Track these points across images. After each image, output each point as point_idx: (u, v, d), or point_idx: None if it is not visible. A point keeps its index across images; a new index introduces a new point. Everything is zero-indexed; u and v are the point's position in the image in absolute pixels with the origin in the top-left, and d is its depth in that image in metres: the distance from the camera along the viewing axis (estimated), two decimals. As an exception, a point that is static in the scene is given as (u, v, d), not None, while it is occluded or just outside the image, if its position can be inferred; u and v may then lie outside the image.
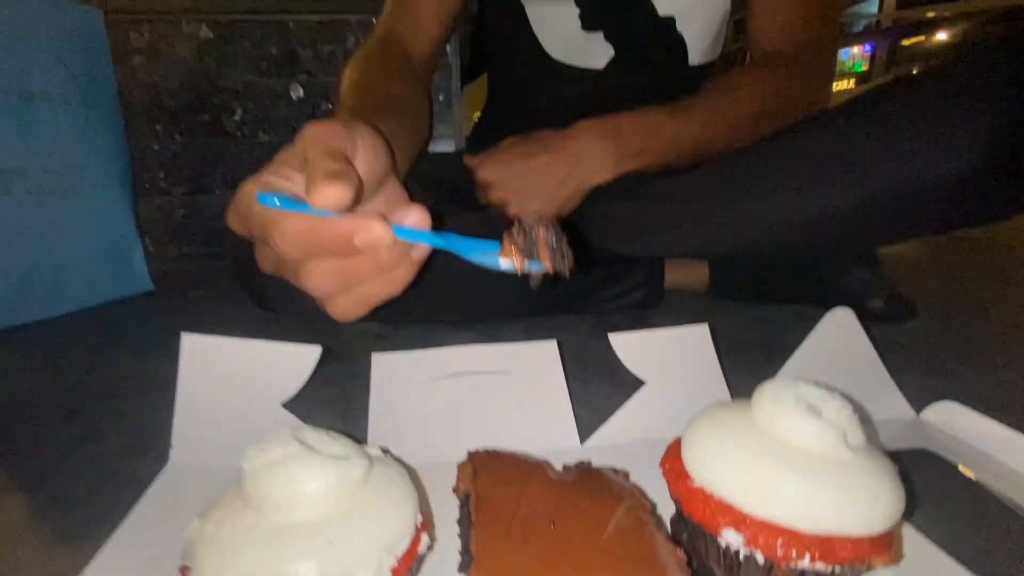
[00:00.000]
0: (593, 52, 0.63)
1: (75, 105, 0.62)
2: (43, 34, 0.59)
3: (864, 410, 0.34)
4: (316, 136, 0.26)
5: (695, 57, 0.63)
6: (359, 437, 0.34)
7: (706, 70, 0.66)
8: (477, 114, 0.75)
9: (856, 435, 0.20)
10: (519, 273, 0.22)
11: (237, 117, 0.86)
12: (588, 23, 0.61)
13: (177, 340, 0.28)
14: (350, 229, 0.22)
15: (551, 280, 0.23)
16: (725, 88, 0.56)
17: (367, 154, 0.28)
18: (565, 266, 0.22)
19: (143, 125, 0.84)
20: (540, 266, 0.22)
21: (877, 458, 0.20)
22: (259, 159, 0.88)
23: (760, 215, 0.48)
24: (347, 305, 0.26)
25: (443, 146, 0.88)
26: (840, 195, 0.44)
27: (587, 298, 0.59)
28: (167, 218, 0.87)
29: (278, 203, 0.23)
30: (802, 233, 0.47)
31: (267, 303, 0.52)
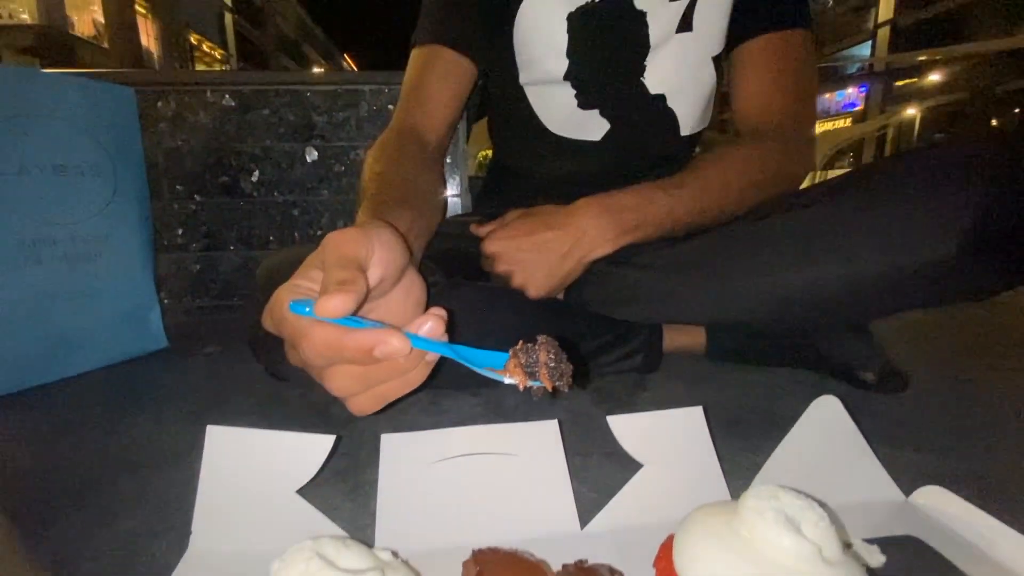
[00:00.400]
0: (590, 126, 0.67)
1: (105, 177, 0.66)
2: (79, 113, 0.64)
3: (852, 494, 0.36)
4: (335, 244, 0.29)
5: (686, 129, 0.67)
6: (367, 514, 0.35)
7: (697, 138, 0.70)
8: (483, 153, 0.78)
9: (833, 549, 0.22)
10: (521, 389, 0.24)
11: (254, 178, 0.91)
12: (584, 103, 0.65)
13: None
14: (371, 342, 0.25)
15: (551, 394, 0.25)
16: (714, 163, 0.59)
17: (384, 254, 0.31)
18: (564, 383, 0.24)
19: (164, 185, 0.89)
20: (541, 383, 0.24)
21: (852, 572, 0.22)
22: (273, 218, 0.92)
23: (752, 290, 0.50)
24: (365, 402, 0.29)
25: (450, 194, 0.92)
26: (828, 274, 0.47)
27: (587, 363, 0.61)
28: (183, 273, 0.91)
29: (308, 311, 0.26)
30: (793, 307, 0.50)
31: (282, 377, 0.54)
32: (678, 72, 0.63)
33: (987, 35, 23.59)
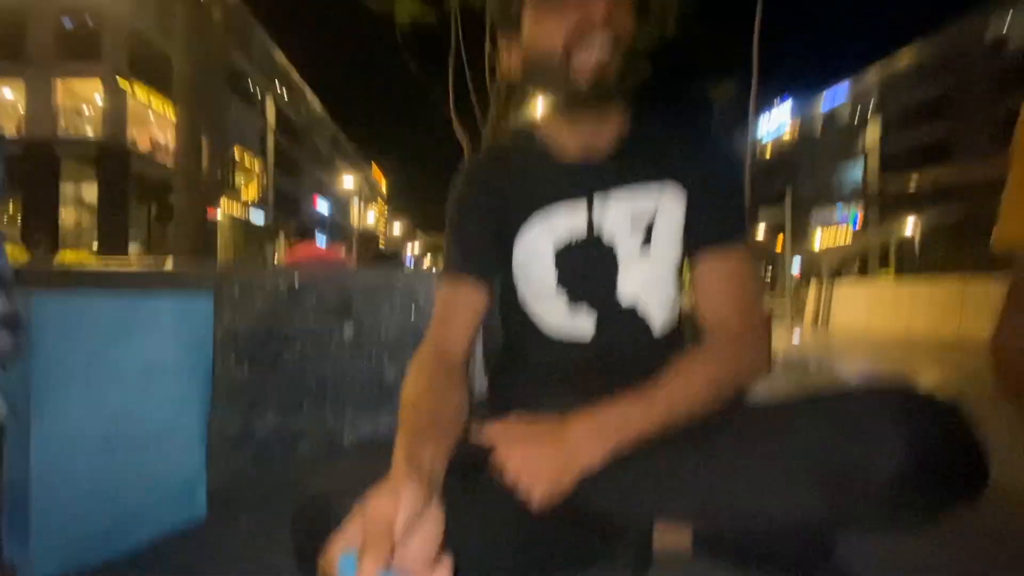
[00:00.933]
0: (579, 329, 0.79)
1: (179, 373, 0.79)
2: (167, 324, 0.78)
3: None
4: (372, 509, 0.40)
5: (658, 331, 0.80)
6: None
7: (672, 337, 0.82)
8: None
9: None
10: None
11: (296, 351, 1.04)
12: (572, 311, 0.79)
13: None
14: None
15: None
16: (682, 373, 0.68)
17: (407, 513, 0.41)
18: None
19: (218, 358, 1.02)
20: None
21: None
22: (309, 387, 1.04)
23: (729, 509, 0.58)
24: None
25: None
26: (797, 499, 0.55)
27: (583, 562, 0.67)
28: (223, 437, 1.01)
29: (352, 560, 0.36)
30: (766, 524, 0.57)
31: None
32: (644, 287, 0.77)
33: (973, 155, 25.12)
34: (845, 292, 10.57)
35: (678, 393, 0.67)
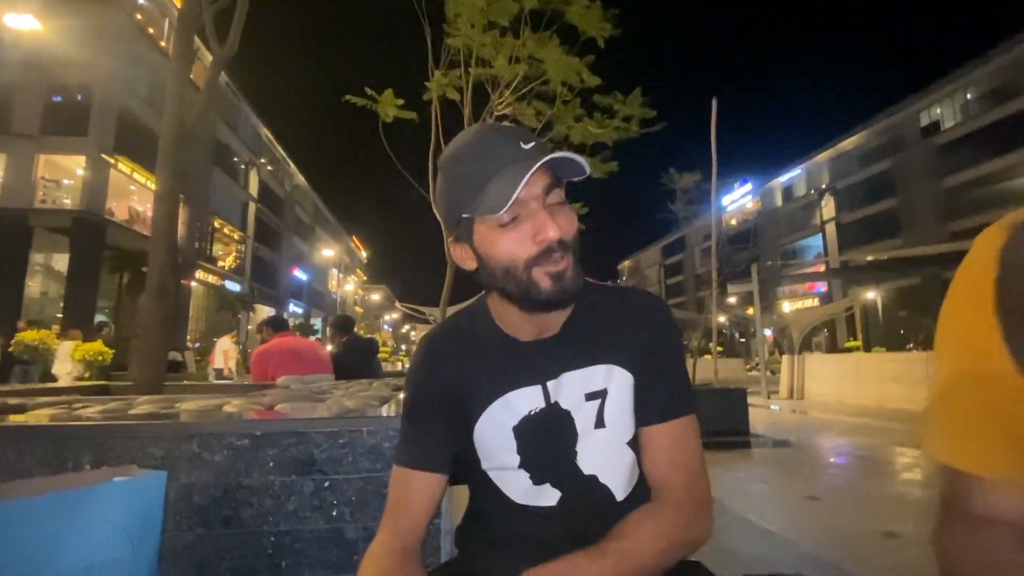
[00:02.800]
0: (544, 496, 0.80)
1: (124, 564, 0.75)
2: (113, 509, 0.76)
3: None
4: None
5: (619, 496, 0.80)
6: None
7: (635, 499, 0.83)
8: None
9: None
10: None
11: (253, 510, 1.00)
12: (536, 480, 0.80)
13: None
14: None
15: None
16: (630, 536, 0.71)
17: None
18: None
19: (168, 519, 0.97)
20: None
21: None
22: (262, 547, 0.99)
23: None
24: None
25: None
26: None
27: None
28: (167, 608, 0.94)
29: None
30: None
31: None
32: (602, 458, 0.79)
33: (919, 228, 26.85)
34: (817, 365, 10.79)
35: (628, 549, 0.69)
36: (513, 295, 0.74)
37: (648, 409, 0.79)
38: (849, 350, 22.10)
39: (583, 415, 0.78)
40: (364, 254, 56.52)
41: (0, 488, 0.67)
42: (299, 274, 36.96)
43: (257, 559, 0.99)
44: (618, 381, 0.79)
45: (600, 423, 0.78)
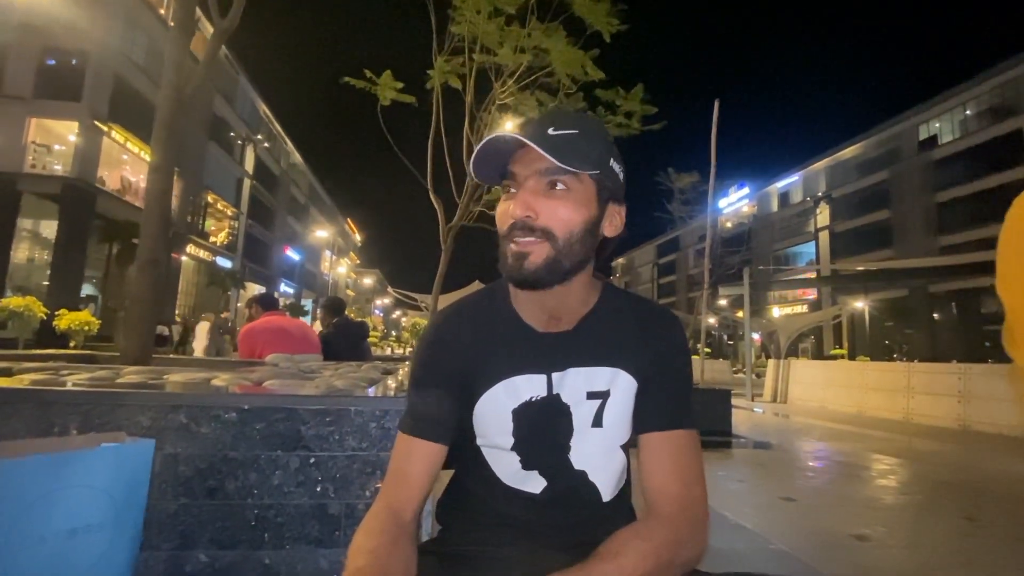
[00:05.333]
0: (531, 482, 0.81)
1: (108, 529, 0.76)
2: (99, 475, 0.76)
3: None
4: None
5: (607, 496, 0.82)
6: None
7: (620, 501, 0.85)
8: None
9: None
10: None
11: (237, 483, 1.02)
12: (526, 465, 0.81)
13: None
14: None
15: None
16: (623, 554, 0.69)
17: None
18: None
19: (154, 489, 0.98)
20: None
21: None
22: (245, 519, 1.01)
23: None
24: None
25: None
26: None
27: None
28: (151, 574, 0.96)
29: None
30: None
31: None
32: (594, 456, 0.80)
33: (911, 241, 27.14)
34: (802, 371, 10.94)
35: (613, 571, 0.68)
36: (500, 266, 0.75)
37: (649, 416, 0.79)
38: (834, 357, 22.40)
39: (582, 412, 0.79)
40: (358, 237, 56.16)
41: (5, 447, 0.68)
42: (292, 254, 36.68)
43: (240, 531, 1.00)
44: (622, 386, 0.79)
45: (598, 422, 0.79)
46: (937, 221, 27.67)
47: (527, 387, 0.79)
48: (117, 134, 18.31)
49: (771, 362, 11.65)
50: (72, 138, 17.27)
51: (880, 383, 8.77)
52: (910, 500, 3.68)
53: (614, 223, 0.79)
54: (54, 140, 17.60)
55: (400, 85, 5.03)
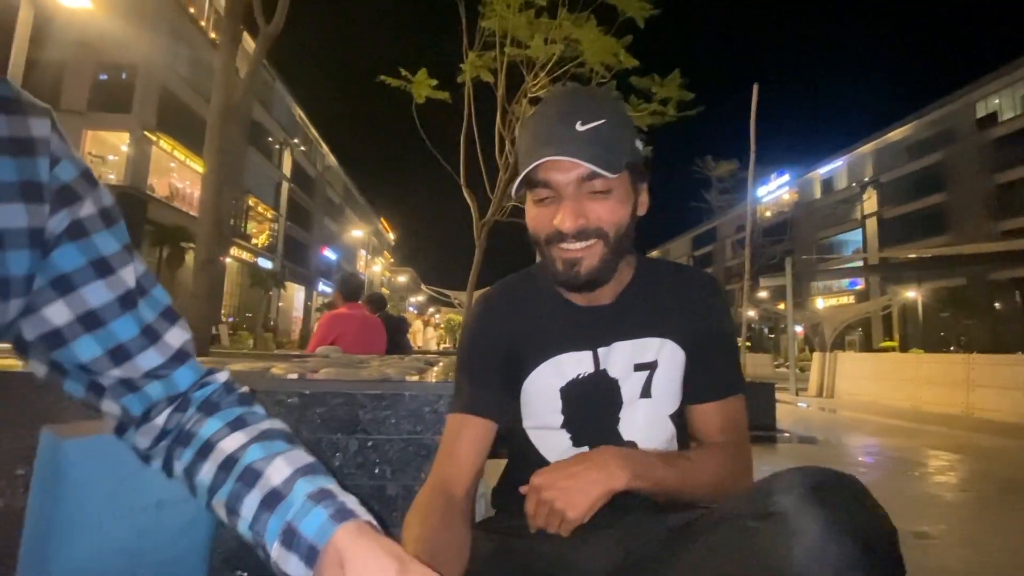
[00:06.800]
0: None
1: (191, 503, 0.81)
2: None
3: None
4: None
5: None
6: None
7: None
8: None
9: None
10: None
11: (301, 464, 1.06)
12: (576, 442, 0.82)
13: None
14: None
15: None
16: (694, 457, 0.75)
17: None
18: None
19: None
20: None
21: None
22: (311, 499, 1.05)
23: None
24: None
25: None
26: None
27: None
28: (223, 555, 1.01)
29: None
30: None
31: None
32: (642, 426, 0.81)
33: (968, 226, 25.55)
34: (850, 364, 10.50)
35: (692, 469, 0.73)
36: (543, 266, 0.77)
37: (700, 388, 0.80)
38: (885, 350, 21.40)
39: (630, 384, 0.80)
40: (392, 236, 57.23)
41: (88, 425, 0.73)
42: (329, 254, 37.74)
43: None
44: (669, 355, 0.80)
45: (646, 393, 0.80)
46: (997, 204, 25.92)
47: (574, 365, 0.80)
48: (165, 143, 19.23)
49: (816, 355, 11.22)
50: (124, 148, 18.26)
51: (937, 376, 8.33)
52: (973, 497, 3.49)
53: (644, 202, 0.80)
54: (108, 151, 18.64)
55: (434, 82, 5.08)
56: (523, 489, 0.71)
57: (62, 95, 17.53)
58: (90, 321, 0.47)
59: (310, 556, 0.42)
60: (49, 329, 0.47)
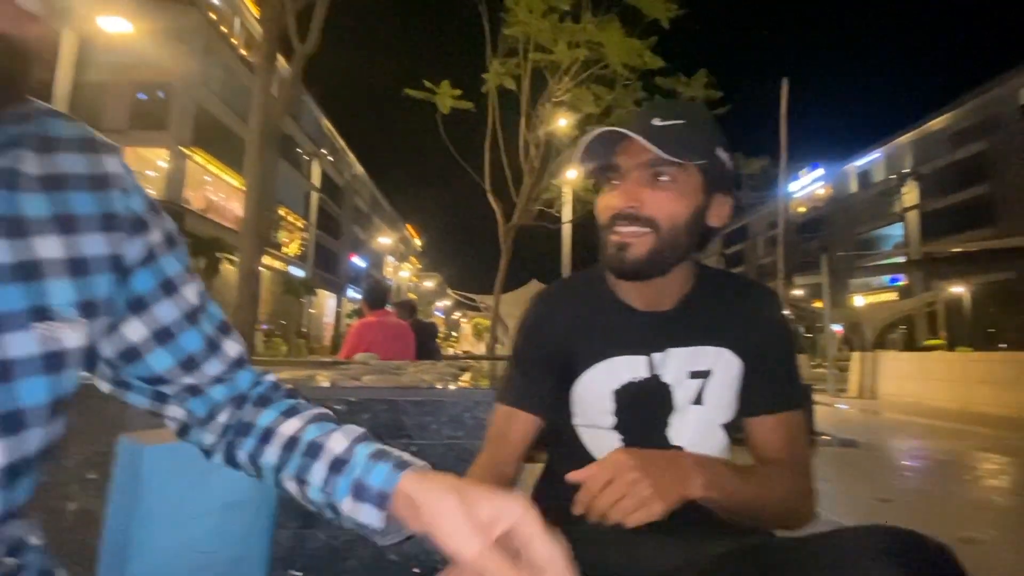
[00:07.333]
0: None
1: (254, 505, 0.86)
2: (246, 457, 0.86)
3: None
4: None
5: None
6: None
7: None
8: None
9: None
10: None
11: (349, 468, 1.11)
12: (626, 444, 0.83)
13: None
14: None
15: None
16: (765, 473, 0.73)
17: None
18: None
19: (279, 472, 1.09)
20: None
21: None
22: (359, 502, 1.10)
23: None
24: None
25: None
26: None
27: None
28: (278, 555, 1.06)
29: None
30: None
31: None
32: (692, 433, 0.80)
33: (1016, 218, 24.20)
34: (893, 364, 10.09)
35: (763, 485, 0.70)
36: (600, 255, 0.77)
37: (758, 399, 0.79)
38: (929, 349, 20.48)
39: (683, 391, 0.80)
40: (418, 242, 57.93)
41: (160, 433, 0.79)
42: (357, 261, 38.46)
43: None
44: (725, 364, 0.79)
45: (698, 400, 0.80)
46: (1048, 194, 24.50)
47: (628, 369, 0.80)
48: (199, 157, 19.98)
49: (856, 355, 10.83)
50: (161, 164, 19.05)
51: (988, 375, 7.93)
52: (1028, 502, 3.33)
53: (721, 213, 0.78)
54: (147, 167, 19.48)
55: (458, 92, 5.16)
56: (581, 473, 0.64)
57: (104, 115, 18.44)
58: (162, 336, 0.52)
59: (381, 502, 0.46)
60: (127, 346, 0.52)
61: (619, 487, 0.60)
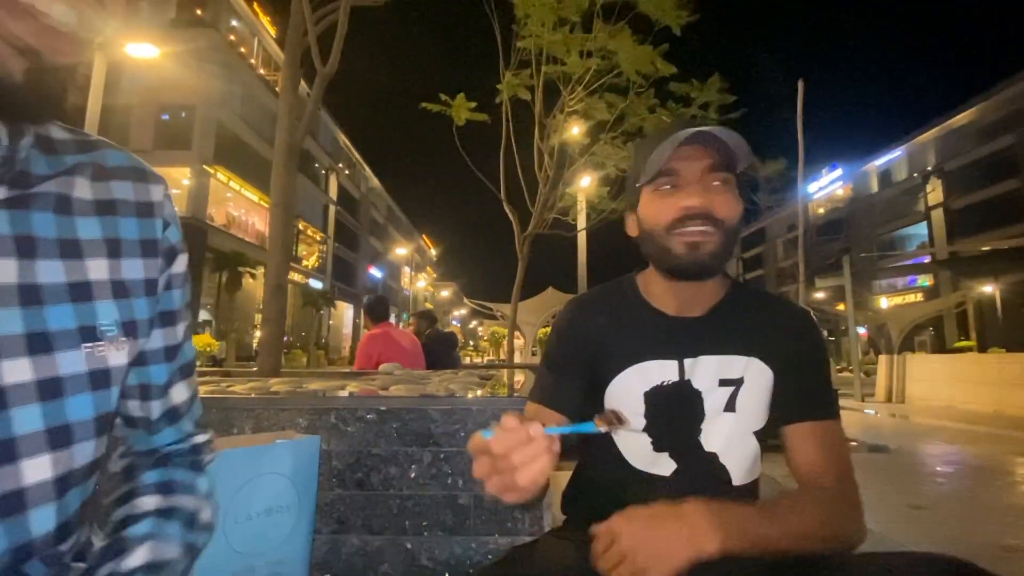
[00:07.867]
0: (662, 464, 0.83)
1: (292, 511, 0.90)
2: (287, 464, 0.90)
3: None
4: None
5: (737, 480, 0.83)
6: None
7: (751, 487, 0.85)
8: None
9: None
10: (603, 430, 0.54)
11: (381, 475, 1.14)
12: (657, 448, 0.83)
13: None
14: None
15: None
16: (796, 511, 0.70)
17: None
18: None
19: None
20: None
21: None
22: (389, 508, 1.13)
23: None
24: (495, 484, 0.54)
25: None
26: None
27: None
28: (314, 559, 1.10)
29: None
30: None
31: None
32: (725, 439, 0.81)
33: (1049, 215, 23.27)
34: (922, 366, 9.81)
35: (793, 520, 0.68)
36: (654, 258, 0.80)
37: (790, 407, 0.79)
38: (960, 350, 19.84)
39: (714, 398, 0.80)
40: (434, 252, 58.36)
41: (218, 441, 0.83)
42: (374, 272, 38.86)
43: (385, 518, 1.13)
44: (756, 373, 0.80)
45: (730, 407, 0.80)
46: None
47: (658, 372, 0.81)
48: (221, 175, 20.51)
49: (883, 358, 10.55)
50: (185, 182, 19.60)
51: (1022, 377, 7.67)
52: (1071, 508, 3.20)
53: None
54: (171, 184, 19.58)
55: (473, 105, 5.23)
56: (595, 529, 0.65)
57: (130, 135, 19.07)
58: (139, 359, 0.50)
59: None
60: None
61: (614, 556, 0.62)
